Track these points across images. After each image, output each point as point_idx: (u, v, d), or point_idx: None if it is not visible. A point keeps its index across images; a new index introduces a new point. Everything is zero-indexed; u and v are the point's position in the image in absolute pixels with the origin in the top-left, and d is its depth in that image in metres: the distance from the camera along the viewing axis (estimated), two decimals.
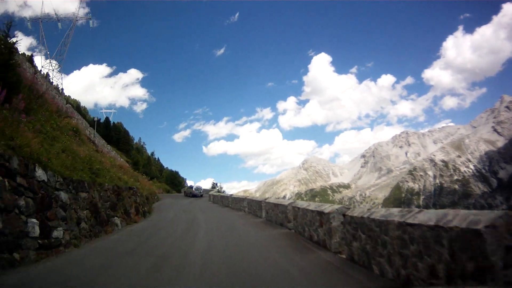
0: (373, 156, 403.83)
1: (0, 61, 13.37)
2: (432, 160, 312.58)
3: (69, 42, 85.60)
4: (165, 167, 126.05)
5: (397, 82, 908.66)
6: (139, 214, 21.74)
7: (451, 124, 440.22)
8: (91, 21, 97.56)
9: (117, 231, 15.80)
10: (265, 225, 17.60)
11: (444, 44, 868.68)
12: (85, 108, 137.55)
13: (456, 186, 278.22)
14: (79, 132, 23.91)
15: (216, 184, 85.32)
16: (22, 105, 12.78)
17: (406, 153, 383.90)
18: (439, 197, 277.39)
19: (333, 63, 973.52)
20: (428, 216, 5.48)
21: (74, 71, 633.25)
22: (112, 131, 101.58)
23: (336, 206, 9.98)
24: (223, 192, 60.82)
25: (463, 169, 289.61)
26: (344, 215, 8.97)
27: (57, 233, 10.53)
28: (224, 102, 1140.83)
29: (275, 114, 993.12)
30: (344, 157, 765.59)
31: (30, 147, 10.70)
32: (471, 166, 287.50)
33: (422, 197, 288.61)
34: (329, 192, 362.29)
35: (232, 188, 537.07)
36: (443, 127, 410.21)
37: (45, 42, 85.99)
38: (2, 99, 11.80)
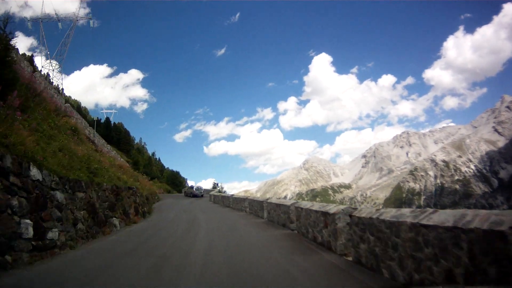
0: (374, 156, 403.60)
1: None
2: (433, 160, 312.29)
3: (69, 42, 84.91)
4: (166, 167, 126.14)
5: (397, 82, 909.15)
6: (138, 215, 21.39)
7: (452, 124, 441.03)
8: (91, 21, 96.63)
9: (115, 232, 15.43)
10: (267, 226, 17.27)
11: (445, 44, 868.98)
12: (85, 109, 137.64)
13: (457, 186, 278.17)
14: (78, 132, 23.56)
15: (217, 184, 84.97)
16: (17, 102, 12.43)
17: (407, 153, 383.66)
18: (440, 197, 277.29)
19: (333, 63, 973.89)
20: (445, 217, 5.14)
21: (75, 72, 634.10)
22: (113, 131, 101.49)
23: (342, 207, 9.63)
24: (224, 192, 60.47)
25: (464, 169, 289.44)
26: (350, 216, 8.58)
27: (52, 234, 10.15)
28: (225, 102, 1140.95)
29: (275, 114, 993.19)
30: (345, 157, 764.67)
31: (25, 145, 10.34)
32: (472, 166, 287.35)
33: (423, 197, 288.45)
34: (330, 192, 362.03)
35: (233, 188, 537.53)
36: (443, 127, 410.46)
37: (45, 42, 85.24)
38: None
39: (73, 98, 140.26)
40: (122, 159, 60.48)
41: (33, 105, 16.37)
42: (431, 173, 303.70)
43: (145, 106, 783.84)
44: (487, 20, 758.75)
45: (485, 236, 4.23)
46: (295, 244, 11.59)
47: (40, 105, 18.07)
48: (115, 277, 7.85)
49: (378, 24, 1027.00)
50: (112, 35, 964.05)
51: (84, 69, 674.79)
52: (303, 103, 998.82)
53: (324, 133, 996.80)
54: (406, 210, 6.42)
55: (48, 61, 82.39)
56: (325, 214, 10.17)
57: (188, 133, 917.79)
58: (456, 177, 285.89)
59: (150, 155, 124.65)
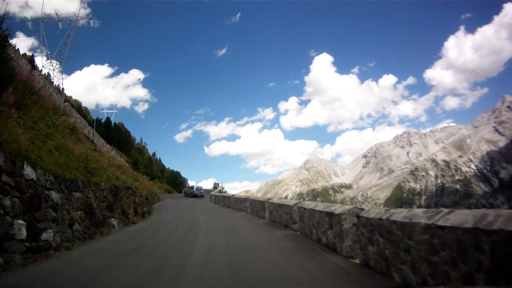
0: (375, 156, 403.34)
1: None
2: (433, 160, 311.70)
3: (69, 42, 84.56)
4: (166, 167, 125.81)
5: (398, 82, 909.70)
6: (137, 215, 21.00)
7: (453, 124, 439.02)
8: (92, 21, 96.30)
9: (113, 233, 15.06)
10: (268, 226, 16.91)
11: (446, 44, 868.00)
12: (86, 109, 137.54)
13: (458, 186, 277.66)
14: (76, 131, 23.19)
15: (218, 184, 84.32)
16: (12, 99, 12.16)
17: (407, 153, 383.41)
18: (441, 197, 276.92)
19: (334, 63, 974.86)
20: (463, 218, 4.77)
21: (76, 72, 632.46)
22: (113, 131, 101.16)
23: (348, 207, 9.25)
24: (225, 192, 60.06)
25: (464, 169, 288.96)
26: (358, 216, 8.18)
27: (47, 235, 9.79)
28: (226, 102, 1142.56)
29: (276, 114, 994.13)
30: (345, 157, 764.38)
31: (19, 143, 10.01)
32: (473, 166, 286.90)
33: (423, 197, 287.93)
34: (331, 192, 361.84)
35: (234, 188, 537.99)
36: (444, 127, 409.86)
37: (45, 42, 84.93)
38: None
39: (74, 98, 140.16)
40: (122, 159, 60.15)
41: (29, 102, 16.07)
42: (431, 173, 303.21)
43: (146, 106, 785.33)
44: (487, 20, 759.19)
45: (510, 238, 3.87)
46: (298, 246, 11.23)
47: (37, 103, 17.79)
48: (113, 279, 7.65)
49: (379, 24, 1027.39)
50: (113, 35, 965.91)
51: (85, 69, 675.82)
52: (304, 103, 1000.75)
53: (325, 133, 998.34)
54: (419, 211, 6.05)
55: (49, 61, 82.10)
56: (330, 214, 9.79)
57: (189, 133, 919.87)
58: (457, 177, 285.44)
59: (151, 155, 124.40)
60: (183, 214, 25.51)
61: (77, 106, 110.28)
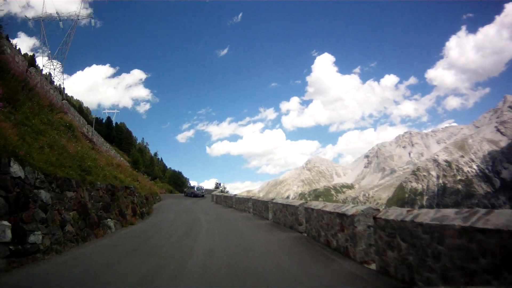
0: (377, 156, 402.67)
1: None
2: (435, 160, 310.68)
3: (70, 41, 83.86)
4: (168, 167, 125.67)
5: (400, 82, 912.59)
6: (136, 216, 20.26)
7: (454, 124, 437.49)
8: (92, 20, 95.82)
9: (109, 235, 14.30)
10: (272, 228, 16.15)
11: (447, 44, 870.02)
12: (87, 109, 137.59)
13: (459, 186, 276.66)
14: (73, 128, 22.51)
15: (220, 184, 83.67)
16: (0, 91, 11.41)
17: (409, 153, 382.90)
18: (443, 197, 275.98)
19: (336, 63, 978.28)
20: (508, 219, 4.03)
21: (77, 72, 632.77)
22: (115, 131, 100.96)
23: (361, 207, 8.46)
24: (227, 192, 59.34)
25: (466, 169, 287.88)
26: (375, 218, 7.35)
27: (34, 237, 9.03)
28: (228, 103, 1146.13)
29: (278, 114, 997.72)
30: (347, 157, 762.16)
31: (6, 138, 9.35)
32: (474, 166, 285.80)
33: (425, 197, 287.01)
34: (333, 192, 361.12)
35: (236, 188, 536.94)
36: (446, 127, 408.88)
37: (46, 42, 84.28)
38: None
39: (75, 98, 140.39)
40: (122, 158, 59.53)
41: (22, 98, 15.44)
42: (433, 173, 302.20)
43: (147, 106, 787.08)
44: (489, 20, 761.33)
45: None
46: (306, 249, 10.42)
47: (32, 99, 17.18)
48: (106, 285, 7.11)
49: (381, 24, 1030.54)
50: (114, 36, 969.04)
51: (87, 70, 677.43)
52: (305, 103, 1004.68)
53: (326, 133, 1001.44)
54: (449, 211, 5.28)
55: (50, 61, 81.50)
56: (341, 216, 9.00)
57: (190, 133, 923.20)
58: (459, 177, 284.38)
59: (152, 155, 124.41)
60: (183, 215, 24.78)
61: (78, 106, 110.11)
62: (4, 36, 20.02)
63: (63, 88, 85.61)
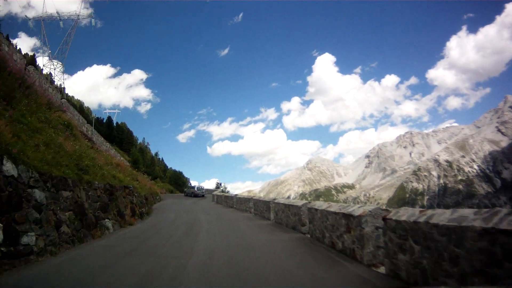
0: (377, 157, 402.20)
1: None
2: (436, 160, 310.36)
3: (71, 40, 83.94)
4: (169, 167, 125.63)
5: (401, 82, 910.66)
6: (135, 216, 19.90)
7: (455, 124, 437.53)
8: (93, 20, 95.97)
9: (107, 235, 13.91)
10: (274, 228, 15.80)
11: (448, 44, 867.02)
12: (88, 108, 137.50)
13: (460, 186, 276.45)
14: (72, 127, 22.17)
15: (220, 184, 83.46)
16: None
17: (410, 154, 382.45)
18: (443, 197, 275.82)
19: (337, 63, 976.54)
20: None
21: (78, 72, 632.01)
22: (115, 131, 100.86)
23: (369, 207, 8.08)
24: (227, 192, 59.06)
25: (467, 169, 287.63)
26: (385, 219, 6.94)
27: (28, 238, 8.66)
28: (228, 103, 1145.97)
29: (279, 114, 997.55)
30: (348, 158, 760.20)
31: None
32: (475, 166, 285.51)
33: (426, 197, 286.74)
34: (333, 192, 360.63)
35: (236, 188, 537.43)
36: (447, 127, 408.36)
37: (46, 41, 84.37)
38: None
39: (76, 98, 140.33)
40: (122, 158, 59.24)
41: (19, 95, 15.13)
42: (434, 173, 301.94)
43: (148, 106, 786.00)
44: (490, 20, 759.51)
45: None
46: (309, 251, 10.04)
47: (29, 97, 16.86)
48: (104, 285, 6.94)
49: (382, 24, 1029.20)
50: (115, 36, 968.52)
51: (88, 70, 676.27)
52: (306, 103, 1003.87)
53: (327, 133, 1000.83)
54: (467, 211, 4.91)
55: (50, 60, 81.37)
56: (348, 216, 8.62)
57: (191, 133, 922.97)
58: (459, 177, 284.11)
59: (153, 155, 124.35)
60: (183, 215, 24.43)
61: (79, 106, 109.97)
62: (1, 34, 19.84)
63: (63, 88, 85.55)
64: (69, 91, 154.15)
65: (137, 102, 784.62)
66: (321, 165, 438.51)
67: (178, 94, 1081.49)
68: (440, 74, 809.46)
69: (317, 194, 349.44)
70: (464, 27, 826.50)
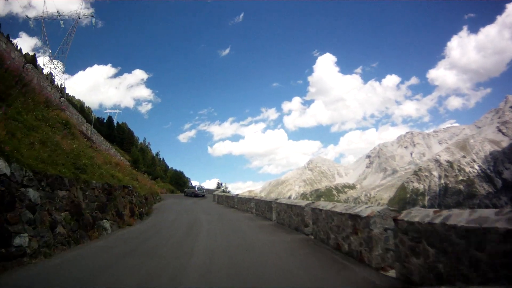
0: (378, 157, 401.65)
1: None
2: (437, 161, 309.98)
3: (71, 40, 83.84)
4: (169, 167, 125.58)
5: (402, 82, 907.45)
6: (134, 216, 19.54)
7: (456, 124, 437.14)
8: (93, 19, 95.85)
9: (105, 236, 13.55)
10: (276, 229, 15.45)
11: (449, 44, 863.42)
12: (89, 108, 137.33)
13: (461, 187, 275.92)
14: (70, 126, 21.85)
15: (221, 184, 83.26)
16: None
17: (411, 154, 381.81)
18: (444, 197, 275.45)
19: (338, 63, 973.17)
20: None
21: (79, 72, 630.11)
22: (116, 131, 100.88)
23: (377, 208, 7.72)
24: (228, 192, 58.77)
25: (468, 169, 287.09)
26: (396, 220, 6.54)
27: (20, 240, 8.30)
28: (229, 103, 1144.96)
29: (280, 114, 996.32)
30: (349, 158, 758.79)
31: None
32: (476, 167, 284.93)
33: (427, 198, 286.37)
34: (334, 192, 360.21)
35: (237, 188, 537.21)
36: (448, 127, 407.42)
37: (47, 41, 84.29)
38: None
39: (76, 98, 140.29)
40: (122, 157, 58.96)
41: (15, 93, 14.84)
42: (435, 173, 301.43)
43: (149, 106, 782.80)
44: (490, 20, 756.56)
45: None
46: (314, 253, 9.67)
47: (25, 94, 16.65)
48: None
49: (382, 24, 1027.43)
50: (116, 36, 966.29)
51: (88, 70, 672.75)
52: (307, 103, 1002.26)
53: (328, 133, 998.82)
54: (487, 212, 4.54)
55: (50, 60, 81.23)
56: (355, 217, 8.24)
57: (192, 133, 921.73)
58: (460, 177, 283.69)
59: (154, 155, 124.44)
60: (184, 215, 24.14)
61: (80, 106, 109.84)
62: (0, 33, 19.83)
63: (64, 87, 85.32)
64: (70, 91, 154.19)
65: (138, 102, 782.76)
66: (322, 165, 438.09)
67: (179, 94, 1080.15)
68: (441, 74, 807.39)
69: (318, 194, 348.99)
70: (465, 27, 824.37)
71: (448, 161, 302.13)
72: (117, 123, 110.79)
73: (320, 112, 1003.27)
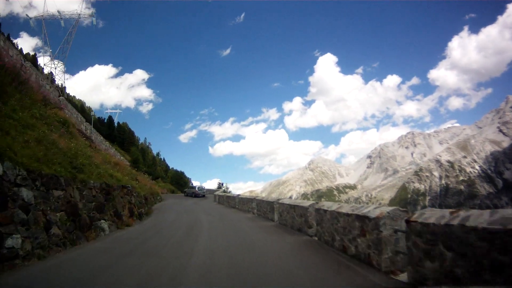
0: (379, 157, 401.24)
1: None
2: (438, 161, 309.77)
3: (71, 39, 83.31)
4: (170, 167, 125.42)
5: (402, 82, 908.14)
6: (133, 216, 19.19)
7: (457, 124, 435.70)
8: (94, 19, 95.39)
9: (102, 237, 13.18)
10: (279, 230, 15.10)
11: (450, 44, 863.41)
12: (90, 108, 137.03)
13: (462, 187, 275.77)
14: (68, 125, 21.54)
15: (222, 184, 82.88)
16: None
17: (412, 154, 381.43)
18: (445, 197, 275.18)
19: (338, 63, 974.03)
20: None
21: (80, 72, 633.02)
22: (116, 131, 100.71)
23: (386, 209, 7.35)
24: (229, 192, 58.44)
25: (468, 169, 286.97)
26: (408, 221, 6.14)
27: (13, 241, 7.95)
28: (230, 103, 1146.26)
29: (281, 114, 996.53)
30: (350, 158, 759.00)
31: None
32: (477, 167, 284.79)
33: (428, 198, 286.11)
34: (335, 192, 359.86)
35: (238, 188, 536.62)
36: (448, 127, 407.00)
37: (47, 41, 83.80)
38: None
39: (77, 98, 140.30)
40: (122, 157, 58.69)
41: (10, 90, 14.54)
42: (436, 173, 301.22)
43: (150, 106, 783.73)
44: (491, 20, 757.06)
45: None
46: (319, 256, 9.29)
47: (22, 92, 16.40)
48: None
49: (383, 24, 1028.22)
50: (117, 36, 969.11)
51: (89, 70, 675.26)
52: (308, 104, 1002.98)
53: (329, 133, 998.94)
54: (510, 212, 4.20)
55: (51, 60, 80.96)
56: (363, 218, 7.87)
57: (193, 133, 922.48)
58: (461, 178, 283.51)
59: (155, 155, 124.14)
60: (184, 216, 23.77)
61: (80, 106, 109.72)
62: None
63: (64, 87, 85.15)
64: (71, 91, 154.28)
65: (139, 102, 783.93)
66: (323, 166, 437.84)
67: (180, 94, 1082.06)
68: (441, 74, 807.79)
69: (319, 195, 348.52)
70: (466, 28, 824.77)
71: (449, 161, 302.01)
72: (118, 123, 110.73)
73: (321, 112, 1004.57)
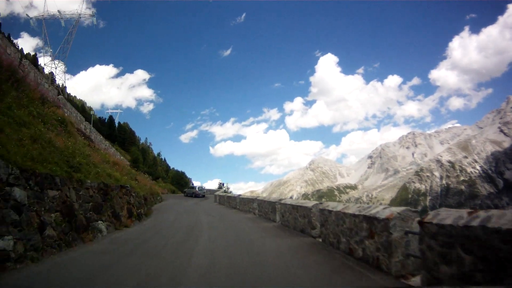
0: (380, 157, 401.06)
1: None
2: (438, 161, 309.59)
3: (72, 39, 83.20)
4: (171, 167, 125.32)
5: (403, 82, 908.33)
6: (132, 217, 18.83)
7: (458, 124, 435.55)
8: (94, 19, 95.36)
9: (99, 239, 12.80)
10: (281, 231, 14.77)
11: (450, 44, 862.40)
12: (90, 108, 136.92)
13: (463, 187, 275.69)
14: (66, 123, 21.21)
15: (223, 184, 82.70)
16: None
17: (413, 154, 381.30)
18: (446, 198, 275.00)
19: (339, 63, 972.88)
20: None
21: (81, 72, 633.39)
22: (117, 131, 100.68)
23: (396, 209, 6.98)
24: (230, 192, 58.17)
25: (469, 169, 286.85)
26: (422, 222, 5.72)
27: (4, 243, 7.58)
28: (231, 103, 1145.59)
29: (282, 114, 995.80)
30: (351, 158, 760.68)
31: None
32: (478, 167, 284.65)
33: (428, 198, 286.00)
34: (336, 193, 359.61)
35: (239, 189, 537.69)
36: (449, 127, 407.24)
37: (48, 41, 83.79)
38: None
39: (78, 98, 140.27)
40: (122, 157, 58.44)
41: (6, 88, 14.23)
42: (436, 173, 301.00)
43: (151, 106, 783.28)
44: (492, 20, 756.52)
45: None
46: (324, 259, 8.92)
47: (18, 89, 16.13)
48: None
49: (384, 24, 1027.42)
50: (117, 36, 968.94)
51: (90, 70, 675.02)
52: (309, 104, 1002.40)
53: (330, 133, 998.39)
54: None
55: (51, 60, 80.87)
56: (371, 219, 7.49)
57: (194, 133, 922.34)
58: (462, 178, 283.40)
59: (156, 155, 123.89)
60: (184, 216, 23.52)
61: (81, 106, 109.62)
62: None
63: (65, 87, 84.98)
64: (72, 91, 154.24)
65: (140, 102, 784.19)
66: (323, 166, 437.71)
67: (181, 94, 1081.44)
68: (442, 74, 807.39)
69: (320, 195, 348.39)
70: (467, 28, 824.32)
71: (449, 162, 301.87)
72: (119, 123, 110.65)
73: (322, 112, 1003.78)
